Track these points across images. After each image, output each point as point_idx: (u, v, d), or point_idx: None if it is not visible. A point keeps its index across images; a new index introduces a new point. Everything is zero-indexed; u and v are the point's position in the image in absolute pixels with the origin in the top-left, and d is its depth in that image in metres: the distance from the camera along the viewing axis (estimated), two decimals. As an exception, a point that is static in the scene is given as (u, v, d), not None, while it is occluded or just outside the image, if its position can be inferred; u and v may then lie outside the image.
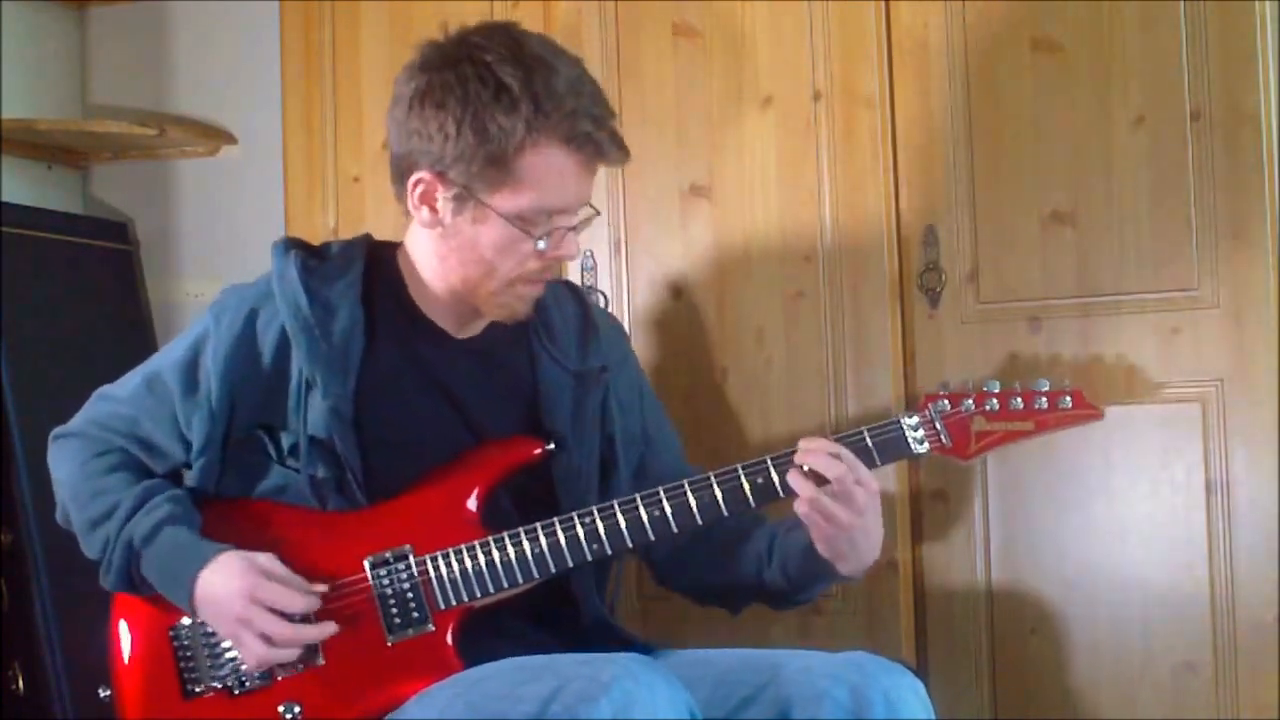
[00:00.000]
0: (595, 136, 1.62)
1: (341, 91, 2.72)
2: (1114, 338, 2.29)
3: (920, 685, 1.58)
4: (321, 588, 1.65)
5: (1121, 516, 2.29)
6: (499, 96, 1.58)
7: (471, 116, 1.58)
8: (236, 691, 1.67)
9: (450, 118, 1.59)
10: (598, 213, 1.74)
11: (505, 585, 1.66)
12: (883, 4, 2.41)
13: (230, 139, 2.98)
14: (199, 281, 2.99)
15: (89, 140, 2.97)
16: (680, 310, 2.50)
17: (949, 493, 2.36)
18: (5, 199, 2.78)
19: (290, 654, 1.63)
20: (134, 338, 2.93)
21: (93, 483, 1.73)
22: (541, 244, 1.64)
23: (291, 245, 1.76)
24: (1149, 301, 2.28)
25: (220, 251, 2.96)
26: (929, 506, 2.38)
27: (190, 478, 1.78)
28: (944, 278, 2.39)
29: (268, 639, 1.62)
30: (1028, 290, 2.34)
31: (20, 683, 2.57)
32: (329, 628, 1.64)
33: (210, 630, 1.69)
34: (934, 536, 2.39)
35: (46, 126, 2.87)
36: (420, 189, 1.65)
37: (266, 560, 1.64)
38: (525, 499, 1.75)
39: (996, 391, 1.76)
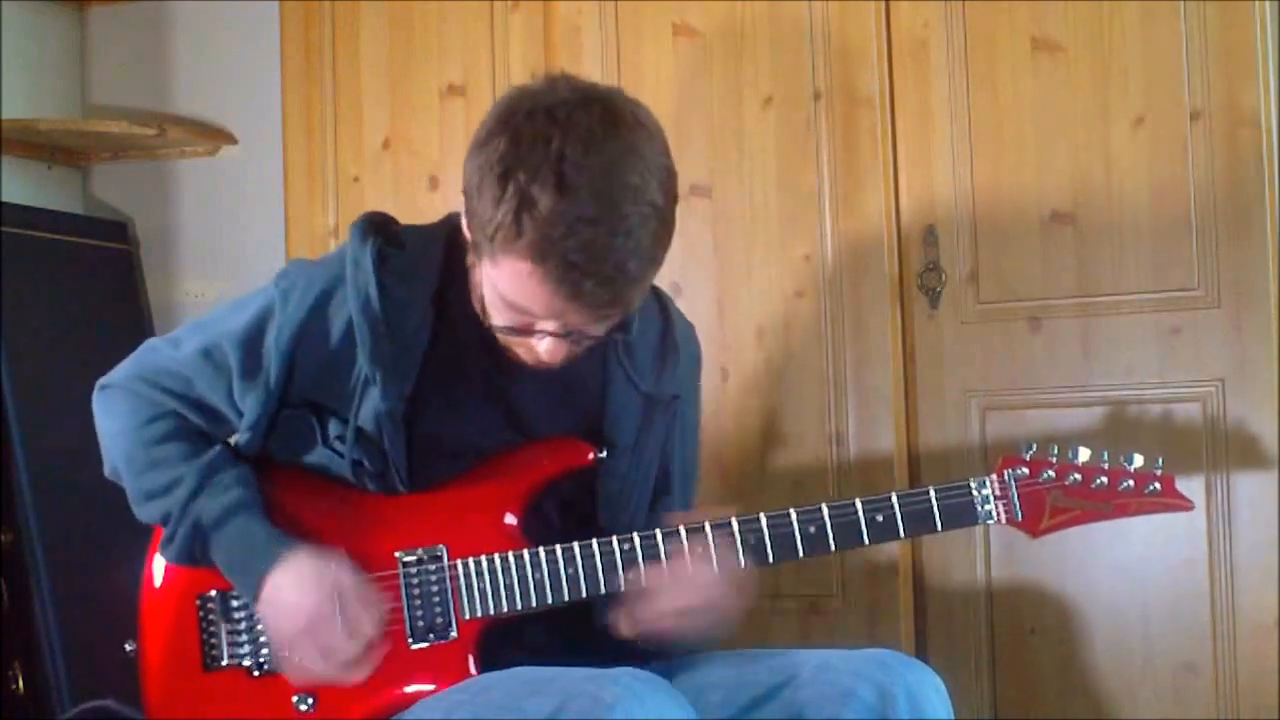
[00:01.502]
0: (559, 276, 1.45)
1: (341, 92, 2.72)
2: (1114, 338, 2.30)
3: (941, 683, 1.56)
4: (373, 635, 1.59)
5: (1121, 516, 2.29)
6: (497, 185, 1.46)
7: (475, 186, 1.50)
8: (255, 673, 1.66)
9: (468, 172, 1.52)
10: (597, 338, 1.57)
11: (534, 604, 1.62)
12: (883, 4, 2.41)
13: (230, 139, 2.98)
14: (199, 281, 2.99)
15: (89, 140, 2.97)
16: (680, 310, 2.49)
17: (949, 493, 2.36)
18: (5, 199, 2.78)
19: (344, 676, 1.59)
20: (134, 338, 2.89)
21: (149, 451, 1.68)
22: (511, 333, 1.56)
23: (370, 230, 1.68)
24: (1149, 301, 2.28)
25: (220, 251, 2.96)
26: (929, 506, 2.38)
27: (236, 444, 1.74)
28: (944, 278, 2.39)
29: (329, 653, 1.58)
30: (1028, 290, 2.34)
31: (20, 683, 2.57)
32: (383, 650, 1.61)
33: (236, 605, 1.67)
34: (934, 536, 2.38)
35: (46, 126, 2.87)
36: (465, 206, 1.58)
37: (340, 573, 1.59)
38: (571, 509, 1.71)
39: (1081, 464, 1.61)
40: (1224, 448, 2.23)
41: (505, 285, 1.51)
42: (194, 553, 1.65)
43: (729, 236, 2.48)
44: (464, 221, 1.59)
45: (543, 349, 1.56)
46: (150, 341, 1.77)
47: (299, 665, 1.60)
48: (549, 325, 1.54)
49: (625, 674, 1.47)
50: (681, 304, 2.47)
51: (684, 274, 2.49)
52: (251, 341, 1.67)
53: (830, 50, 2.43)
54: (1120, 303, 2.30)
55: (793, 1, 2.45)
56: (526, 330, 1.55)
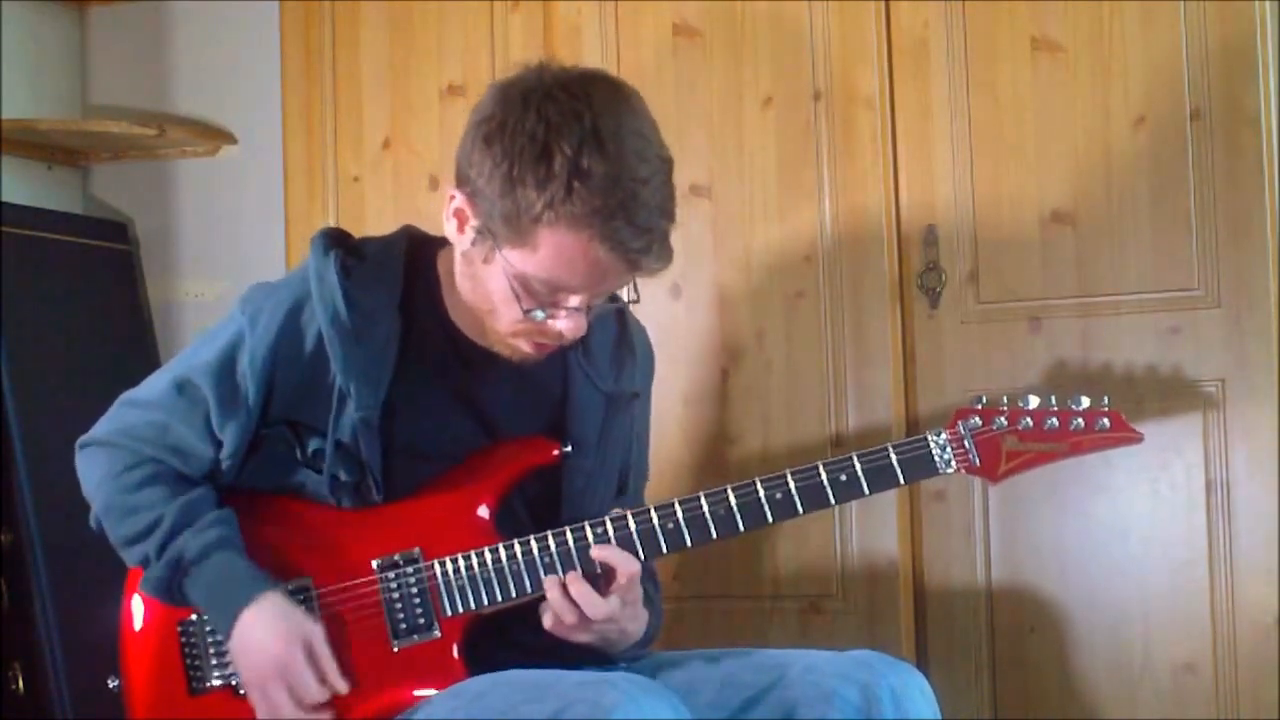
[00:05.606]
0: (623, 238, 1.50)
1: (341, 92, 2.72)
2: (1114, 338, 2.30)
3: (926, 684, 1.58)
4: (343, 686, 1.63)
5: (1121, 516, 2.29)
6: (538, 164, 1.50)
7: (504, 173, 1.52)
8: (241, 691, 1.67)
9: (491, 161, 1.53)
10: (627, 302, 1.69)
11: (514, 594, 1.64)
12: (883, 4, 2.41)
13: (230, 139, 2.98)
14: (199, 281, 2.99)
15: (89, 140, 2.97)
16: (680, 310, 2.50)
17: (949, 493, 2.36)
18: (5, 199, 2.78)
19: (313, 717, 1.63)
20: (134, 338, 2.93)
21: (126, 498, 1.70)
22: (539, 314, 1.58)
23: (331, 244, 1.71)
24: (1149, 301, 2.28)
25: (220, 251, 2.96)
26: (929, 506, 2.38)
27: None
28: (944, 278, 2.39)
29: (298, 695, 1.62)
30: (1027, 290, 2.34)
31: (20, 683, 2.57)
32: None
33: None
34: (934, 536, 2.38)
35: (46, 126, 2.87)
36: (454, 204, 1.61)
37: (306, 633, 1.62)
38: (540, 509, 1.72)
39: (1032, 409, 1.67)
40: (1224, 448, 2.23)
41: (547, 263, 1.53)
42: (171, 588, 1.67)
43: (729, 237, 2.48)
44: (458, 227, 1.61)
45: (566, 327, 1.59)
46: (125, 396, 1.79)
47: (270, 704, 1.63)
48: (576, 300, 1.57)
49: (623, 678, 1.48)
50: (681, 304, 2.49)
51: (684, 274, 2.49)
52: (225, 370, 1.69)
53: (830, 50, 2.43)
54: (1120, 303, 2.30)
55: (793, 1, 2.45)
56: (553, 313, 1.58)
